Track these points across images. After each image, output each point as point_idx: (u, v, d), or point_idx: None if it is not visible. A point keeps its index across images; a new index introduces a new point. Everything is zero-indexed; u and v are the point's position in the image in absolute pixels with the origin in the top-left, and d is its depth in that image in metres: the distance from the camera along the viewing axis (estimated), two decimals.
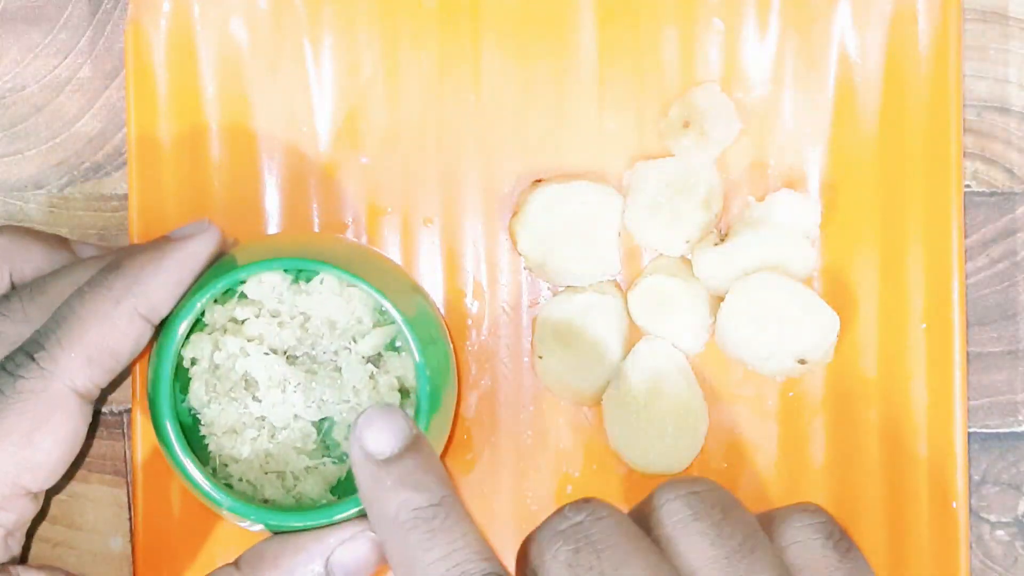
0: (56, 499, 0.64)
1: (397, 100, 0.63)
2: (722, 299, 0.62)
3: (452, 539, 0.51)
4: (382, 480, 0.52)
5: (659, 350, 0.62)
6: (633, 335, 0.63)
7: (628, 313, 0.62)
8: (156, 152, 0.63)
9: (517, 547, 0.63)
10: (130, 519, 0.64)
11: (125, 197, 0.64)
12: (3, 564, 0.56)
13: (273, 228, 0.63)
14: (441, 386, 0.58)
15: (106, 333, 0.55)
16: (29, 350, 0.55)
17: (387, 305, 0.57)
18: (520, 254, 0.63)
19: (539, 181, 0.63)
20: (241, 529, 0.63)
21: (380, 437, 0.53)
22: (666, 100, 0.63)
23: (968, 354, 0.63)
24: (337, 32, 0.63)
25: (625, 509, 0.63)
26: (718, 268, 0.62)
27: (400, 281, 0.59)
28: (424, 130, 0.63)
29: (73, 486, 0.64)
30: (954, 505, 0.62)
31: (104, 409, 0.64)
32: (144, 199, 0.63)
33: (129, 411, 0.64)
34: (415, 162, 0.63)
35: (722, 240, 0.62)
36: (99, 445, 0.64)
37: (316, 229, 0.63)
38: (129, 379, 0.63)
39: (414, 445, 0.53)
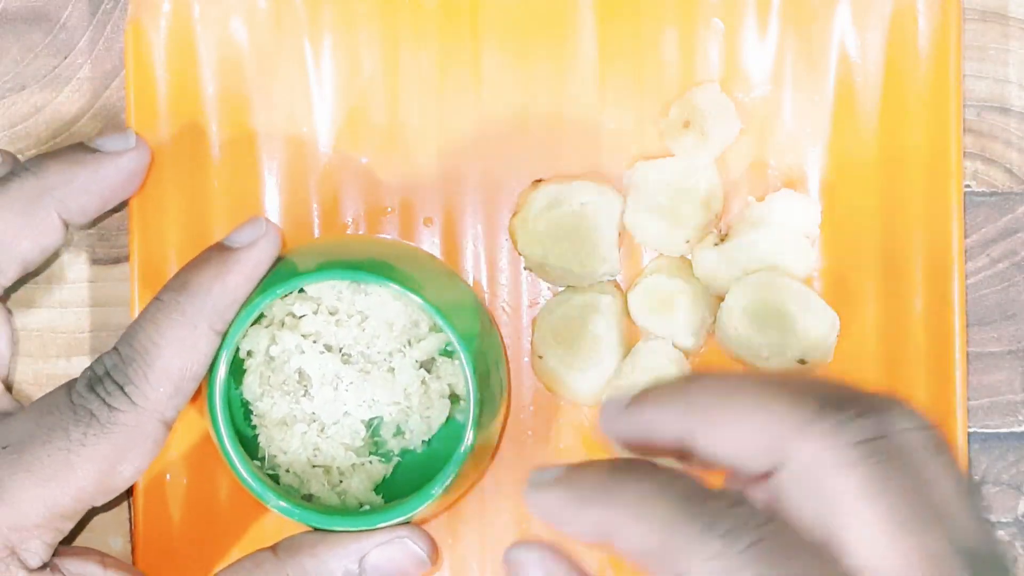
0: None
1: (397, 100, 0.63)
2: (722, 299, 0.62)
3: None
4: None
5: (659, 350, 0.62)
6: (633, 335, 0.63)
7: (628, 313, 0.62)
8: (156, 152, 0.63)
9: None
10: (130, 519, 0.64)
11: None
12: (52, 562, 0.57)
13: None
14: (493, 402, 0.58)
15: (188, 360, 0.56)
16: (119, 381, 0.56)
17: (450, 334, 0.57)
18: (520, 254, 0.63)
19: (539, 181, 0.63)
20: (241, 530, 0.63)
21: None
22: (666, 100, 0.63)
23: (968, 354, 0.63)
24: (337, 32, 0.63)
25: None
26: (718, 268, 0.62)
27: (459, 293, 0.59)
28: (424, 130, 0.63)
29: None
30: None
31: None
32: (144, 199, 0.63)
33: None
34: (415, 162, 0.63)
35: (722, 240, 0.62)
36: None
37: (316, 229, 0.63)
38: None
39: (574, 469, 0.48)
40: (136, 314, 0.62)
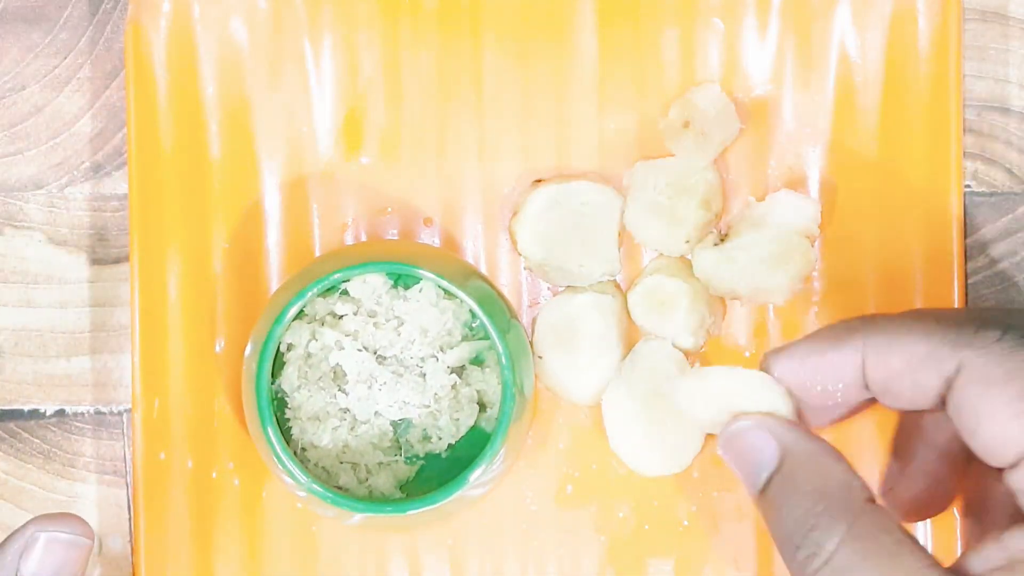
0: (56, 499, 0.64)
1: (397, 100, 0.63)
2: (723, 299, 0.62)
3: None
4: None
5: (659, 350, 0.62)
6: (633, 335, 0.63)
7: (628, 313, 0.62)
8: (156, 152, 0.63)
9: (517, 547, 0.63)
10: (130, 519, 0.64)
11: (125, 197, 0.64)
12: None
13: (273, 228, 0.63)
14: (524, 402, 0.59)
15: None
16: None
17: (489, 327, 0.58)
18: (520, 254, 0.63)
19: (539, 181, 0.63)
20: (240, 529, 0.63)
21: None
22: (666, 100, 0.63)
23: None
24: (337, 32, 0.63)
25: (624, 510, 0.63)
26: (718, 268, 0.62)
27: (495, 299, 0.60)
28: (424, 130, 0.63)
29: (73, 486, 0.64)
30: None
31: (104, 409, 0.64)
32: (144, 199, 0.63)
33: (129, 411, 0.64)
34: (415, 162, 0.63)
35: (722, 240, 0.62)
36: (99, 445, 0.64)
37: (316, 229, 0.63)
38: (129, 379, 0.63)
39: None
40: (136, 314, 0.62)
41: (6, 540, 0.54)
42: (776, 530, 0.50)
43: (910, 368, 0.50)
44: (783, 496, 0.50)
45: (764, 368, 0.53)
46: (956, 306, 0.62)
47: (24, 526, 0.54)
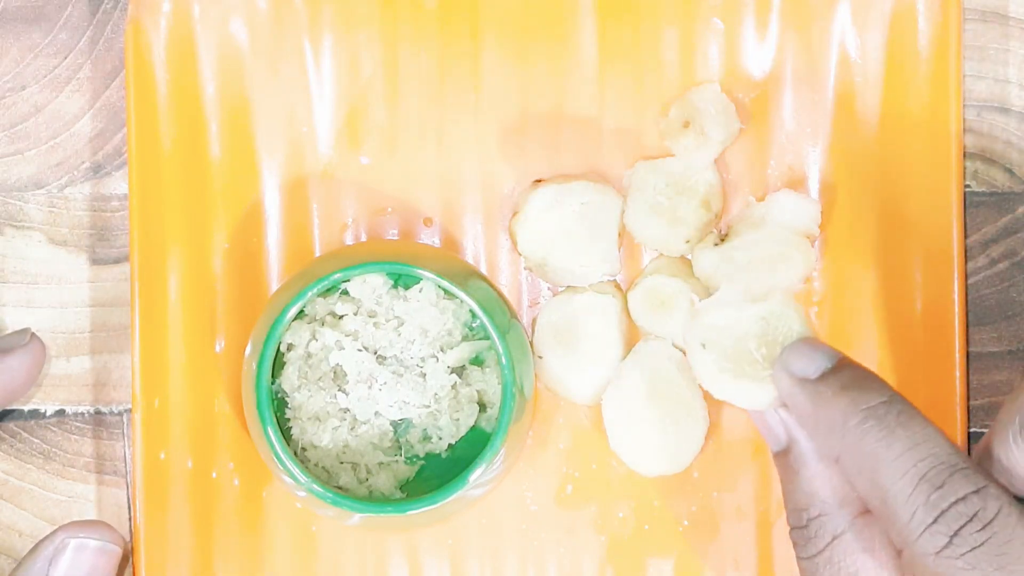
0: (56, 499, 0.64)
1: (397, 100, 0.63)
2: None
3: (912, 432, 0.50)
4: (822, 393, 0.52)
5: (659, 350, 0.62)
6: (633, 335, 0.63)
7: (628, 313, 0.62)
8: (156, 152, 0.63)
9: (517, 547, 0.63)
10: (130, 519, 0.64)
11: (125, 197, 0.64)
12: None
13: (273, 228, 0.63)
14: (524, 402, 0.59)
15: None
16: None
17: (488, 324, 0.58)
18: (520, 254, 0.63)
19: (539, 181, 0.63)
20: (240, 529, 0.63)
21: (811, 358, 0.53)
22: (666, 100, 0.63)
23: (968, 354, 0.63)
24: (337, 32, 0.63)
25: (624, 510, 0.63)
26: (718, 268, 0.62)
27: (495, 299, 0.60)
28: (424, 130, 0.63)
29: (73, 486, 0.64)
30: None
31: (104, 409, 0.64)
32: (144, 199, 0.63)
33: (129, 411, 0.64)
34: (415, 162, 0.63)
35: (722, 240, 0.62)
36: (99, 445, 0.64)
37: (316, 229, 0.63)
38: (129, 379, 0.63)
39: (844, 361, 0.53)
40: (136, 314, 0.62)
41: (35, 546, 0.55)
42: (783, 490, 0.55)
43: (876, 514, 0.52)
44: (789, 475, 0.54)
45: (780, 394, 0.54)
46: (956, 306, 0.62)
47: (53, 532, 0.55)
